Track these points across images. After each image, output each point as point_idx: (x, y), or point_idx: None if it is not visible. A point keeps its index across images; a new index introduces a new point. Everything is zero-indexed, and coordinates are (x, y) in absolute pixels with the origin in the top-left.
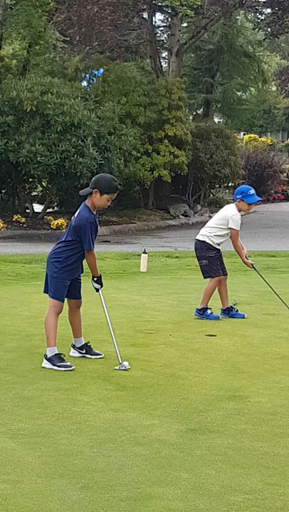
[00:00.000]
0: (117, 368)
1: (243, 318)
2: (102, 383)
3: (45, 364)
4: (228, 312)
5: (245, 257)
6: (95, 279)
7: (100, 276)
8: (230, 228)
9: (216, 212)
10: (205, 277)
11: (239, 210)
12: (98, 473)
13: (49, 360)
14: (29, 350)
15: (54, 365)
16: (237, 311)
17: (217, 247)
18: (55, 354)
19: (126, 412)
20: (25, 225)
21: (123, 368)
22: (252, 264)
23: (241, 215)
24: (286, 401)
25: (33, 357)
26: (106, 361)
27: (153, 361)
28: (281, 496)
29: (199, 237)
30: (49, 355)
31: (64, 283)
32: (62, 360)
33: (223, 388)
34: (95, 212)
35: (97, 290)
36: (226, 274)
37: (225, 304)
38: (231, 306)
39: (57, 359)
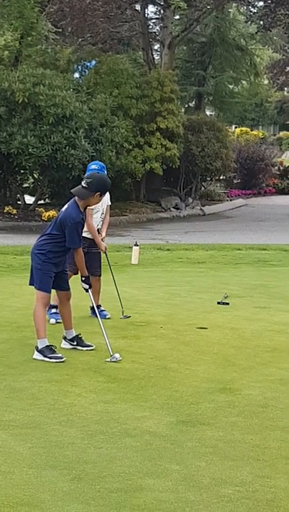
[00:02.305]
0: (108, 359)
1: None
2: (93, 375)
3: (37, 356)
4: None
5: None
6: (83, 278)
7: (88, 277)
8: None
9: (208, 205)
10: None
11: None
12: (89, 464)
13: (40, 351)
14: (20, 342)
15: (45, 356)
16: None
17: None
18: (46, 346)
19: (117, 403)
20: (16, 217)
21: (114, 360)
22: (105, 248)
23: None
24: (277, 394)
25: (24, 348)
26: (97, 353)
27: (144, 353)
28: (271, 489)
29: None
30: (40, 346)
31: (49, 274)
32: (54, 352)
33: (213, 381)
34: (83, 210)
35: (86, 290)
36: (92, 274)
37: (95, 301)
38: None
39: (48, 351)
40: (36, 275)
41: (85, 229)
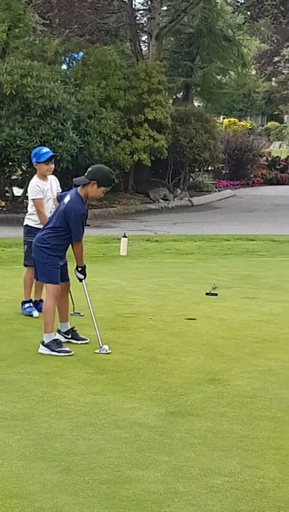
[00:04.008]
0: (97, 351)
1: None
2: (82, 367)
3: (43, 350)
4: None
5: None
6: (80, 268)
7: (85, 267)
8: (32, 200)
9: (196, 196)
10: (24, 265)
11: (40, 175)
12: (78, 456)
13: (47, 346)
14: (9, 334)
15: (53, 350)
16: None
17: (40, 226)
18: (53, 340)
19: (106, 395)
20: (4, 209)
21: (104, 352)
22: None
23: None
24: (265, 384)
25: (12, 341)
26: (86, 345)
27: (133, 345)
28: (260, 479)
29: (24, 222)
30: (46, 341)
31: (56, 266)
32: (61, 346)
33: (202, 371)
34: (85, 201)
35: (81, 280)
36: None
37: (36, 296)
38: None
39: (55, 345)
40: (43, 269)
41: (37, 219)
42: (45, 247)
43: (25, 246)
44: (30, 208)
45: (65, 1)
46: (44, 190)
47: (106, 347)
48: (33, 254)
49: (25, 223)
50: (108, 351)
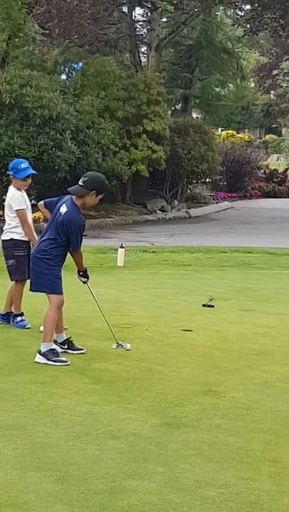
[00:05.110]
0: (114, 346)
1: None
2: (78, 377)
3: (39, 359)
4: (6, 318)
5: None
6: (81, 273)
7: (86, 270)
8: (16, 211)
9: (193, 207)
10: (11, 279)
11: (18, 188)
12: (73, 466)
13: (43, 355)
14: (5, 343)
15: (49, 360)
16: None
17: (25, 238)
18: (50, 349)
19: (101, 405)
20: (2, 218)
21: (126, 348)
22: None
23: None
24: (261, 396)
25: (9, 349)
26: (82, 355)
27: (129, 355)
28: (255, 491)
29: (4, 236)
30: (43, 350)
31: (58, 276)
32: (58, 355)
33: (198, 383)
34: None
35: (85, 283)
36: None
37: (5, 309)
38: (11, 312)
39: (52, 354)
40: (45, 280)
41: (21, 232)
42: (46, 258)
43: (12, 260)
44: (12, 221)
45: (65, 11)
46: (25, 200)
47: (128, 345)
48: (34, 265)
49: (8, 237)
50: (128, 348)
